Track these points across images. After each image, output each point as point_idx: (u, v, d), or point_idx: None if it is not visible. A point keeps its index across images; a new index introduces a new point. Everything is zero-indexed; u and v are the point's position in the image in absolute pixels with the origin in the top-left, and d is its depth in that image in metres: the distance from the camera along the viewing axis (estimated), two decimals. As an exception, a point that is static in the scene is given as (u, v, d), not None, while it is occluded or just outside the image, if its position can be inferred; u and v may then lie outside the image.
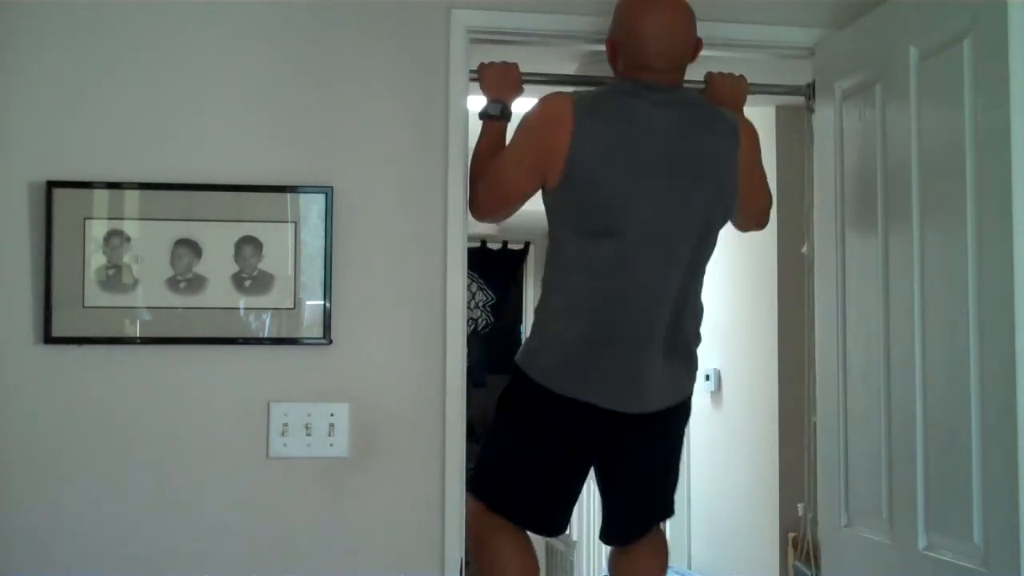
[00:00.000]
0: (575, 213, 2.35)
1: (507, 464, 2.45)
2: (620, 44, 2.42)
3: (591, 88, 2.42)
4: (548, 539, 5.72)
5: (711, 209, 2.38)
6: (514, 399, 2.45)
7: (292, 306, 2.52)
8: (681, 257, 2.35)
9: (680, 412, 2.50)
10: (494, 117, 2.52)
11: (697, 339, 2.47)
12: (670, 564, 2.72)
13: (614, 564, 2.62)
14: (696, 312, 2.45)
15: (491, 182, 2.45)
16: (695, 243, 2.37)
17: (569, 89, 2.48)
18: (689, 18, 2.41)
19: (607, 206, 2.30)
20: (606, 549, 2.73)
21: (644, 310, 2.32)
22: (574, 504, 2.51)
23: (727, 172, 2.38)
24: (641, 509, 2.54)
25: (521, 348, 2.49)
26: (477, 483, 2.48)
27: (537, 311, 2.46)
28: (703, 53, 2.63)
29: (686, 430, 2.62)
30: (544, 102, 2.38)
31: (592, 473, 2.56)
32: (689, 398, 2.50)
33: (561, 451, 2.41)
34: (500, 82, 2.57)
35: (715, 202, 2.38)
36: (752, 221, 2.61)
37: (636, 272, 2.32)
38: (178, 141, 2.52)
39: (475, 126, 2.58)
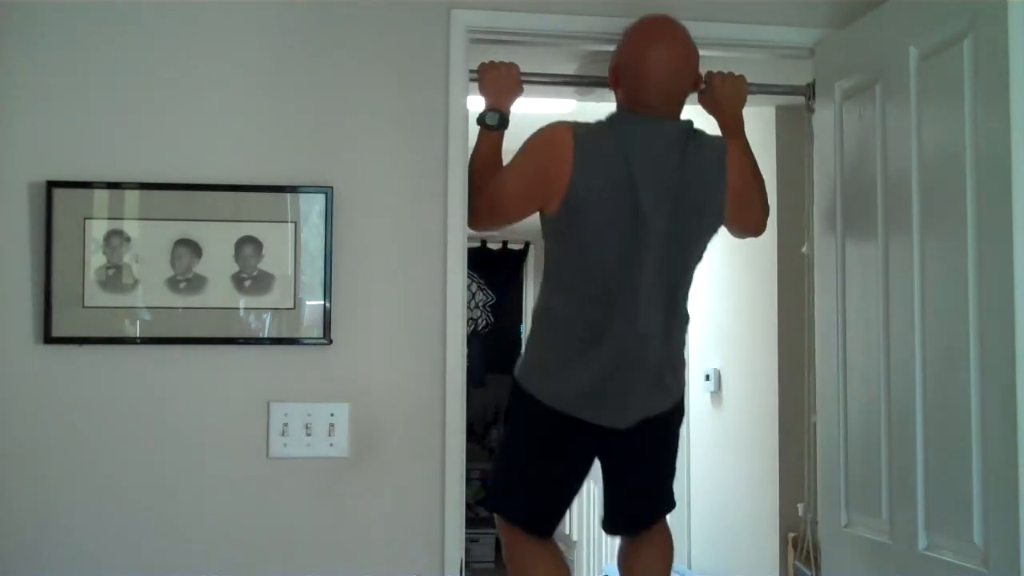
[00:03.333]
0: (570, 238, 2.44)
1: (514, 477, 2.58)
2: (622, 74, 2.46)
3: (589, 122, 2.46)
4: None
5: (697, 231, 2.49)
6: (514, 411, 2.57)
7: (292, 306, 2.52)
8: (668, 277, 2.45)
9: (674, 415, 2.60)
10: (492, 127, 2.53)
11: (684, 346, 2.58)
12: (670, 563, 2.74)
13: (622, 560, 2.70)
14: (683, 322, 2.56)
15: (491, 199, 2.51)
16: (681, 263, 2.48)
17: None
18: (692, 55, 2.47)
19: (601, 234, 2.38)
20: (607, 549, 2.80)
21: (632, 327, 2.41)
22: (571, 504, 2.65)
23: (713, 199, 2.47)
24: (641, 502, 2.64)
25: (519, 360, 2.59)
26: (492, 499, 2.60)
27: (532, 323, 2.57)
28: (704, 53, 2.63)
29: (682, 429, 2.71)
30: (545, 133, 2.43)
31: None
32: (681, 401, 2.61)
33: (561, 460, 2.53)
34: (500, 84, 2.57)
35: (700, 225, 2.49)
36: (745, 233, 2.69)
37: (625, 292, 2.40)
38: (178, 141, 2.52)
39: (475, 126, 2.58)
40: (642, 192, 2.35)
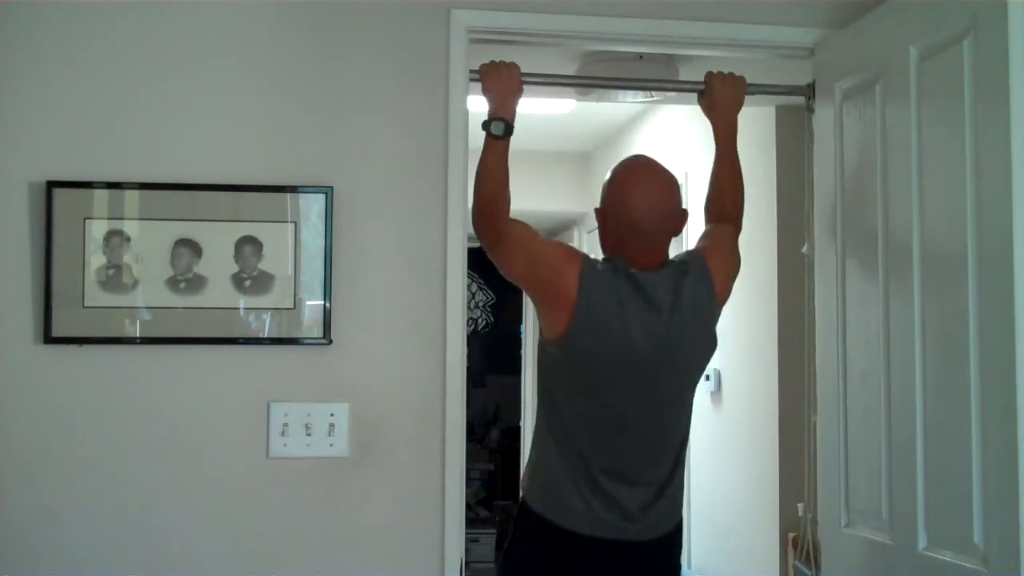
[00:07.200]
0: (568, 373, 2.41)
1: None
2: (608, 218, 2.46)
3: (597, 261, 2.44)
4: None
5: (695, 369, 2.50)
6: (518, 531, 2.48)
7: (292, 306, 2.52)
8: (665, 418, 2.47)
9: (672, 542, 2.53)
10: (498, 137, 2.46)
11: (683, 464, 2.55)
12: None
13: None
14: (684, 442, 2.55)
15: (491, 236, 2.44)
16: (678, 403, 2.50)
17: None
18: (674, 188, 2.46)
19: (598, 378, 2.37)
20: None
21: (632, 454, 2.42)
22: None
23: (707, 331, 2.47)
24: None
25: (523, 476, 2.55)
26: None
27: (533, 439, 2.53)
28: (704, 53, 2.63)
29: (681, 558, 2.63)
30: (563, 248, 2.46)
31: None
32: (679, 526, 2.54)
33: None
34: (503, 86, 2.52)
35: (696, 361, 2.50)
36: None
37: (625, 424, 2.40)
38: (178, 141, 2.52)
39: (475, 126, 2.57)
40: (641, 347, 2.35)
